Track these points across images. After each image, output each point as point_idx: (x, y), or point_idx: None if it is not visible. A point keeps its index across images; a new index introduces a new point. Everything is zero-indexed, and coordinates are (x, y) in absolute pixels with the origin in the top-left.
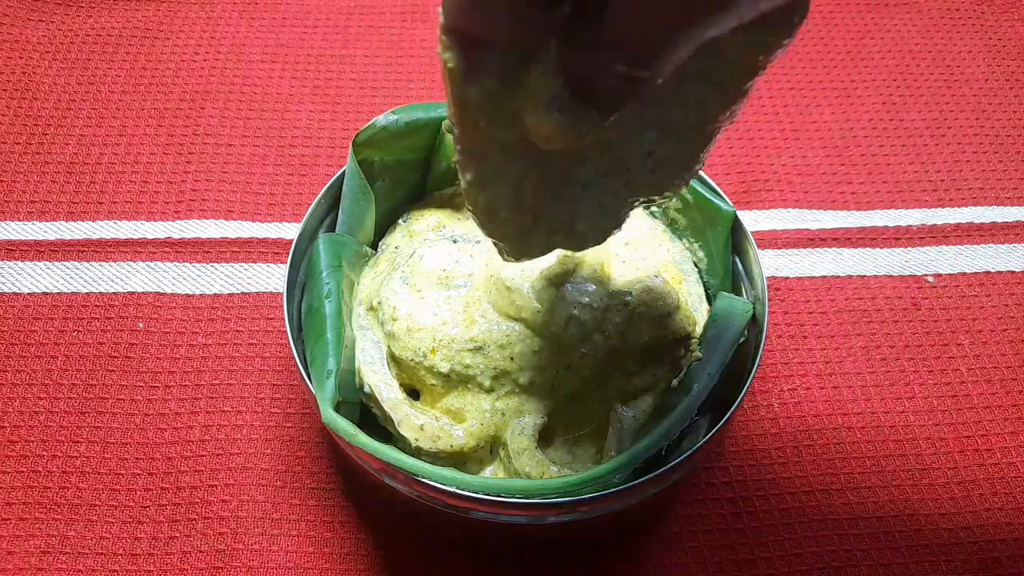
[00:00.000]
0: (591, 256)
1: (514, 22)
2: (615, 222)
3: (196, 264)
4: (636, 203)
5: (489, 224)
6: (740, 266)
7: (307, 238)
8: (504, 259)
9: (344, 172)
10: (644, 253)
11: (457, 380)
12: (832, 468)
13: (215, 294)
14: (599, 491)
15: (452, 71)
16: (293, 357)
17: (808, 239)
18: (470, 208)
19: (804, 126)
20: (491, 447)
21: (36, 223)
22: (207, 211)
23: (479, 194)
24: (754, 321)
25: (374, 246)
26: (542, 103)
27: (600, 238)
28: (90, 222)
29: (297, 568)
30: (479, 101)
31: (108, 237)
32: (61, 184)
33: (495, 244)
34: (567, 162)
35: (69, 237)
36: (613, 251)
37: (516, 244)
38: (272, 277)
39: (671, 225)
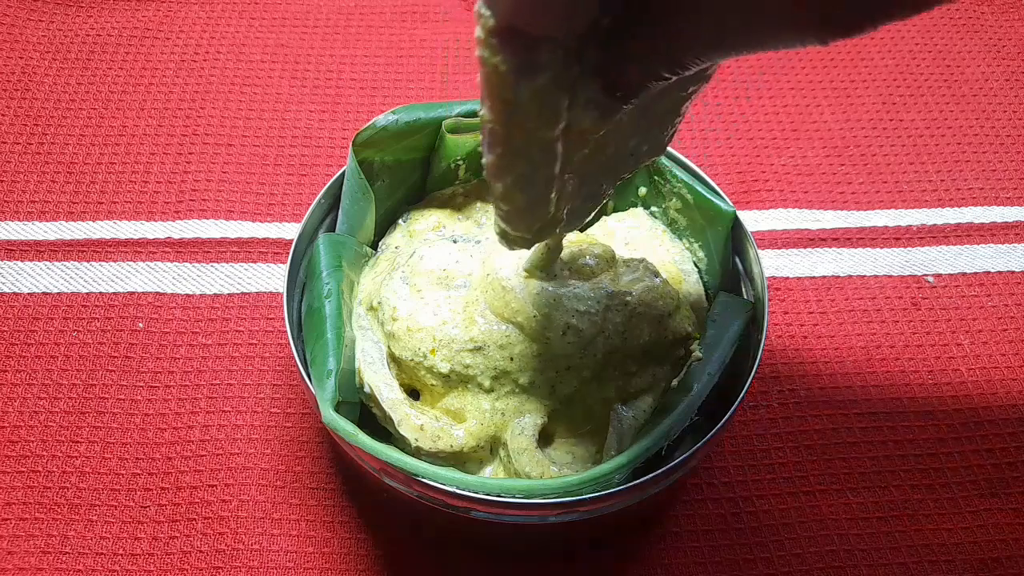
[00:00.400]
0: (597, 247)
1: (572, 16)
2: (597, 211)
3: (196, 264)
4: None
5: (520, 223)
6: (740, 266)
7: (307, 238)
8: (510, 248)
9: (344, 172)
10: (644, 253)
11: (457, 380)
12: (832, 468)
13: (215, 294)
14: (599, 491)
15: (503, 73)
16: (293, 357)
17: (808, 239)
18: (503, 208)
19: (804, 126)
20: (491, 447)
21: (36, 223)
22: (207, 211)
23: (518, 195)
24: (754, 321)
25: (374, 246)
26: (580, 102)
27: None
28: (90, 222)
29: (297, 568)
30: (528, 100)
31: (108, 237)
32: (61, 184)
33: (502, 237)
34: (582, 156)
35: (69, 237)
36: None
37: (534, 236)
38: (272, 277)
39: (671, 225)
